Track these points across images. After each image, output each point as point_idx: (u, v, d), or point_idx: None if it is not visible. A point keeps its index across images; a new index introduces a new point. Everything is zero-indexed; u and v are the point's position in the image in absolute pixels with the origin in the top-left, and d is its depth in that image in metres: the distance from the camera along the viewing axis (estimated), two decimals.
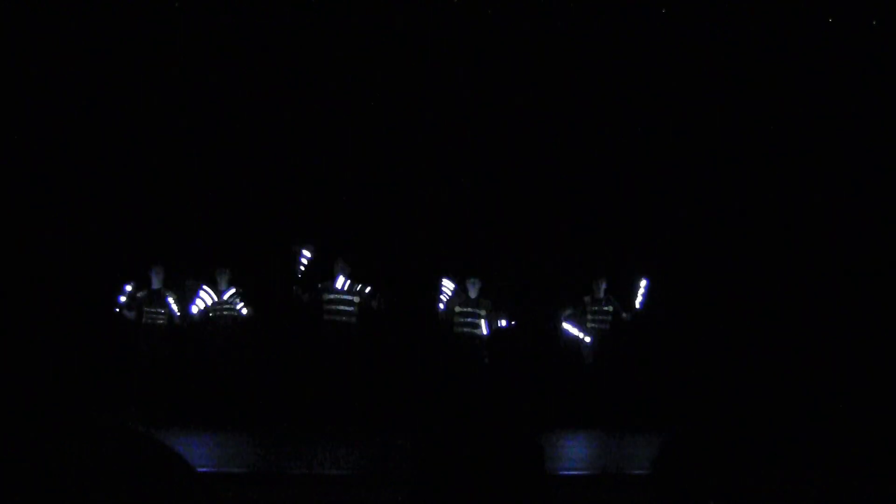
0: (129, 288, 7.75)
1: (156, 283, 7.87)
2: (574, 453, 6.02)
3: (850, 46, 7.71)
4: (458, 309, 8.08)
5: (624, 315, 8.16)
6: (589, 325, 8.19)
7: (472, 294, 8.11)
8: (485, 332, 7.98)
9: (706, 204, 8.14)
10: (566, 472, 4.69)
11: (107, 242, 7.84)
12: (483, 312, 8.07)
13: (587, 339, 8.14)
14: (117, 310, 7.74)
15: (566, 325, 8.17)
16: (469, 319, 8.07)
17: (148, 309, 7.82)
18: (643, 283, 8.04)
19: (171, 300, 7.77)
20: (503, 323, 8.04)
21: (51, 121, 7.72)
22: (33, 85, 7.63)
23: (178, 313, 7.77)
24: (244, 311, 7.83)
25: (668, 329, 7.96)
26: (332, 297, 7.69)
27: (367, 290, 7.63)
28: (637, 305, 8.09)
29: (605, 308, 8.23)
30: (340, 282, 7.63)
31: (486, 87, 8.11)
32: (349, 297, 7.70)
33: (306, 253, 7.59)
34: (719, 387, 7.26)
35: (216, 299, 7.74)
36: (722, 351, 7.66)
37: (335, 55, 8.01)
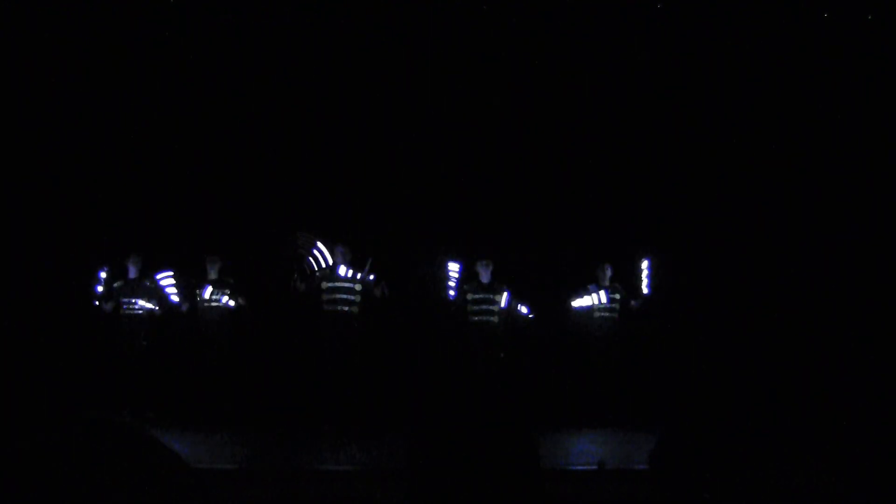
0: (104, 277, 7.59)
1: (133, 273, 7.74)
2: (572, 448, 6.02)
3: (852, 43, 7.70)
4: (469, 296, 7.65)
5: (632, 303, 7.87)
6: (595, 314, 7.92)
7: (485, 278, 7.69)
8: (498, 320, 7.58)
9: (712, 191, 8.04)
10: (563, 468, 4.70)
11: (82, 231, 7.80)
12: (498, 298, 7.66)
13: (598, 319, 7.85)
14: (96, 302, 7.62)
15: (577, 303, 7.90)
16: (483, 307, 7.63)
17: (126, 300, 7.67)
18: (645, 264, 7.76)
19: (143, 297, 7.62)
20: (523, 310, 7.67)
21: (20, 107, 7.60)
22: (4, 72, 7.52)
23: (157, 307, 7.64)
24: (230, 303, 7.68)
25: (669, 320, 7.83)
26: (332, 285, 7.30)
27: (371, 277, 7.25)
28: (644, 292, 7.80)
29: (612, 296, 7.97)
30: (343, 269, 7.28)
31: (491, 68, 8.01)
32: (351, 286, 7.31)
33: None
34: (718, 381, 7.24)
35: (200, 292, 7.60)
36: (721, 345, 7.63)
37: (326, 37, 7.89)
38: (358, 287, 7.28)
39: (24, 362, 7.11)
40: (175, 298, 7.60)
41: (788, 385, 6.89)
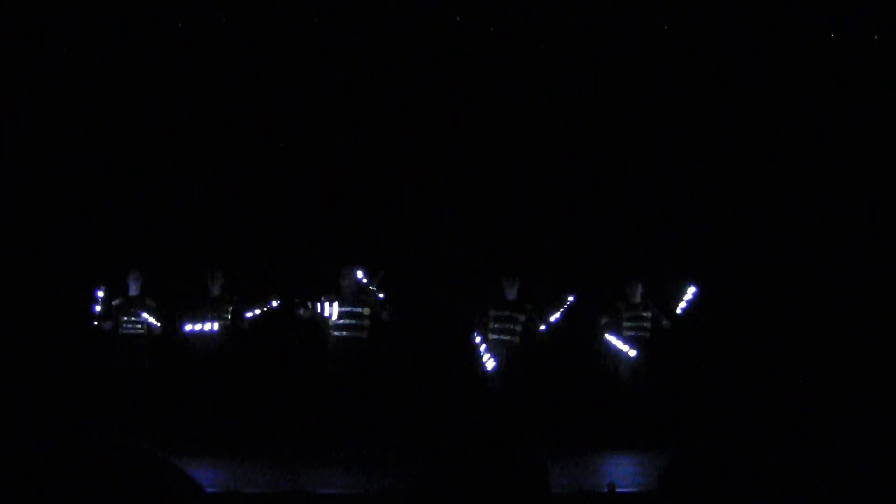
0: (102, 295, 7.35)
1: (133, 291, 7.51)
2: (581, 469, 5.97)
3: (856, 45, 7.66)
4: (492, 313, 7.29)
5: (664, 322, 7.52)
6: (625, 333, 7.51)
7: (510, 295, 7.31)
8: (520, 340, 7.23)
9: (749, 202, 7.87)
10: (572, 490, 4.67)
11: (81, 246, 7.63)
12: (522, 318, 7.28)
13: (632, 353, 7.36)
14: (95, 322, 7.41)
15: (608, 337, 7.50)
16: (507, 325, 7.25)
17: (125, 318, 7.45)
18: (689, 287, 7.40)
19: (145, 312, 7.40)
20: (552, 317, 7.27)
21: (21, 118, 7.57)
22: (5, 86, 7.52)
23: (157, 324, 7.40)
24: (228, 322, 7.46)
25: (695, 342, 7.64)
26: (340, 310, 7.04)
27: (380, 295, 6.99)
28: (678, 311, 7.45)
29: (644, 314, 7.59)
30: (350, 289, 7.02)
31: (514, 81, 7.89)
32: (359, 310, 7.04)
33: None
34: (731, 402, 7.10)
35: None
36: (738, 363, 7.46)
37: (341, 44, 7.81)
38: (366, 311, 7.04)
39: (25, 383, 6.99)
40: (176, 317, 7.35)
41: (805, 408, 6.77)
